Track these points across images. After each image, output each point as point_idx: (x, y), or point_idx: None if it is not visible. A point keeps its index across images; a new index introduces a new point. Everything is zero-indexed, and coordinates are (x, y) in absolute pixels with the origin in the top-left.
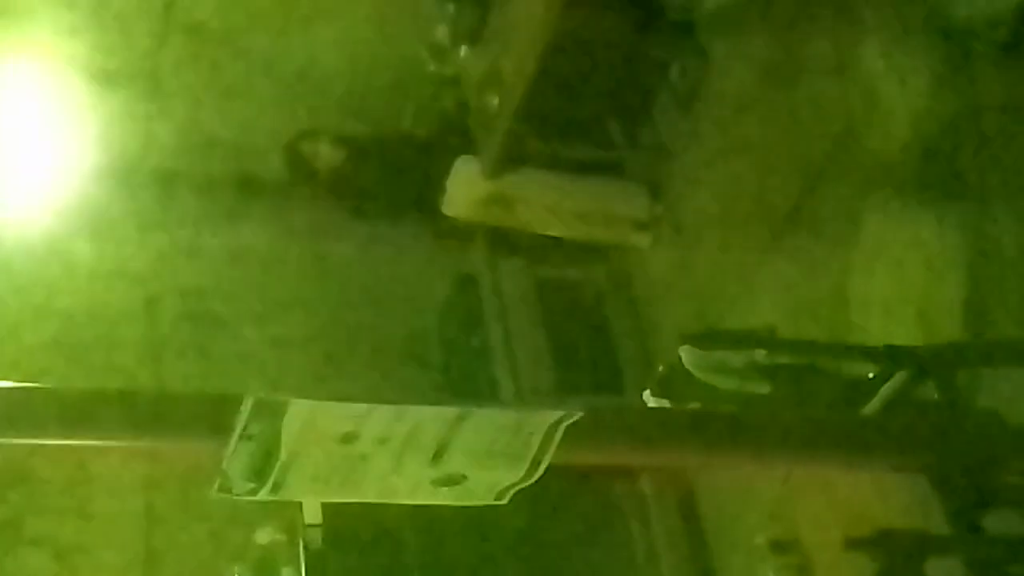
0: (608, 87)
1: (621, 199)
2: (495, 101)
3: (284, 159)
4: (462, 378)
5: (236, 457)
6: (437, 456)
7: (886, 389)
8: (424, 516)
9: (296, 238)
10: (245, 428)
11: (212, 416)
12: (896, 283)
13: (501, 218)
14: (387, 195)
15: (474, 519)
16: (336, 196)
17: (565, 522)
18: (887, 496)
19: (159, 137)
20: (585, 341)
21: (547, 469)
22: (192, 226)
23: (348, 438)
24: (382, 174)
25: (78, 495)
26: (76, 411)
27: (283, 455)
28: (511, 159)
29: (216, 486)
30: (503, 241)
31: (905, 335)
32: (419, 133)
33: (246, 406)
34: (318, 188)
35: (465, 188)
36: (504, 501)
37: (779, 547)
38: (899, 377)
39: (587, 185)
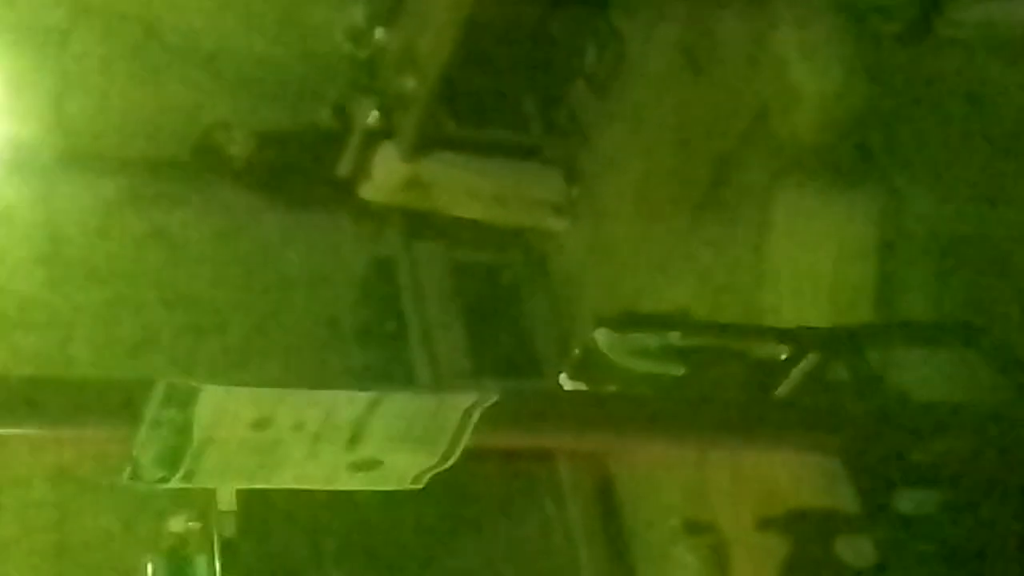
0: (524, 69)
1: (537, 182)
2: (411, 83)
3: (196, 147)
4: (379, 363)
5: (147, 444)
6: (353, 441)
7: (797, 371)
8: (340, 501)
9: (209, 222)
10: (156, 414)
11: (122, 402)
12: (808, 266)
13: (418, 201)
14: (302, 181)
15: (390, 504)
16: (250, 183)
17: (482, 506)
18: (799, 477)
19: (68, 118)
20: (501, 324)
21: (463, 453)
22: (102, 209)
23: (261, 424)
24: (296, 160)
25: None
26: None
27: (195, 442)
28: (428, 141)
29: (127, 474)
30: (419, 225)
31: (817, 317)
32: (335, 118)
33: (157, 392)
34: (232, 176)
35: (383, 173)
36: (420, 485)
37: (694, 528)
38: (810, 359)
39: (504, 168)
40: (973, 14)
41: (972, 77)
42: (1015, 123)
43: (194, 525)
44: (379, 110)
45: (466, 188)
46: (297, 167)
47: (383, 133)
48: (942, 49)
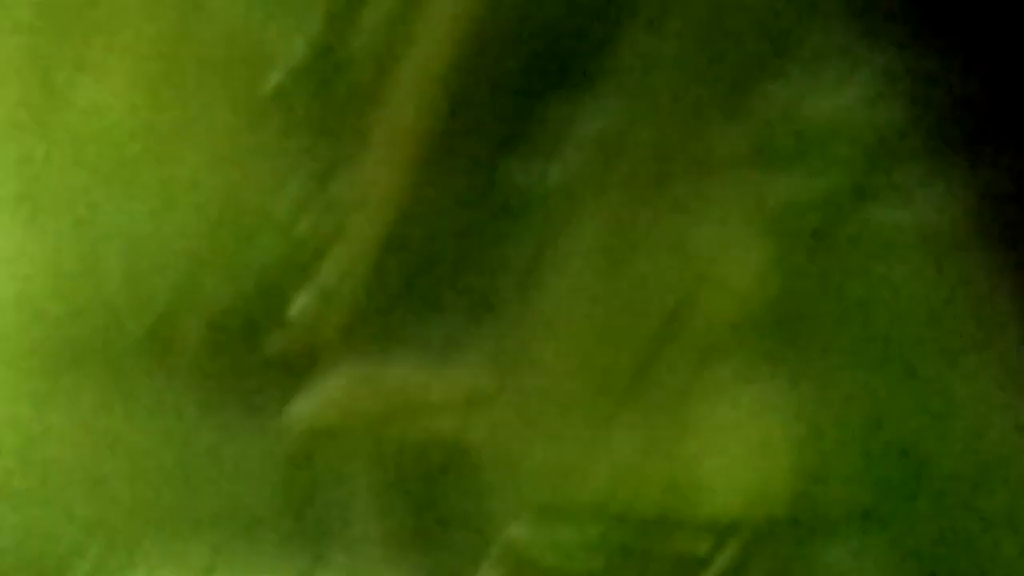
0: (450, 261)
1: (458, 384)
2: (342, 267)
3: (143, 337)
4: (294, 554)
5: None
6: None
7: (717, 566)
8: None
9: (137, 402)
10: None
11: None
12: (728, 456)
13: (344, 424)
14: (241, 374)
15: None
16: (193, 379)
17: None
18: None
19: None
20: (420, 517)
21: None
22: (29, 400)
23: None
24: (239, 351)
25: None
26: None
27: None
28: (356, 329)
29: None
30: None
31: (736, 509)
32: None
33: None
34: (174, 368)
35: (309, 404)
36: None
37: None
38: (730, 552)
39: (423, 375)
40: (889, 214)
41: (883, 274)
42: (927, 318)
43: None
44: (312, 295)
45: (391, 402)
46: (239, 358)
47: (309, 355)
48: (858, 246)
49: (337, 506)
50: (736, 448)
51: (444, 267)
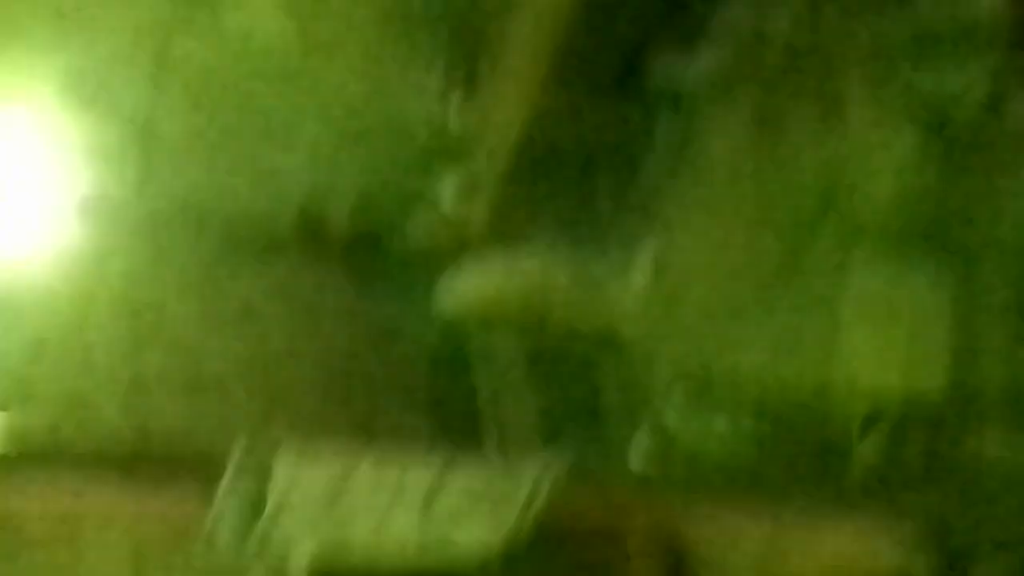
0: (594, 151)
1: (608, 274)
2: (486, 156)
3: (292, 220)
4: (450, 430)
5: (224, 510)
6: (425, 508)
7: (872, 441)
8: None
9: (289, 289)
10: (233, 480)
11: (199, 469)
12: (882, 337)
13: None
14: (386, 251)
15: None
16: (343, 259)
17: None
18: (873, 549)
19: (152, 184)
20: (573, 394)
21: (532, 528)
22: (180, 277)
23: (335, 490)
24: (383, 232)
25: (60, 555)
26: (60, 466)
27: (270, 506)
28: (499, 219)
29: (204, 541)
30: None
31: (892, 388)
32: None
33: (233, 458)
34: (322, 248)
35: (462, 289)
36: (489, 561)
37: None
38: (886, 431)
39: (572, 265)
40: None
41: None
42: None
43: None
44: (457, 188)
45: (538, 288)
46: (383, 238)
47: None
48: (1004, 140)
49: (486, 392)
50: (887, 336)
51: (589, 160)
